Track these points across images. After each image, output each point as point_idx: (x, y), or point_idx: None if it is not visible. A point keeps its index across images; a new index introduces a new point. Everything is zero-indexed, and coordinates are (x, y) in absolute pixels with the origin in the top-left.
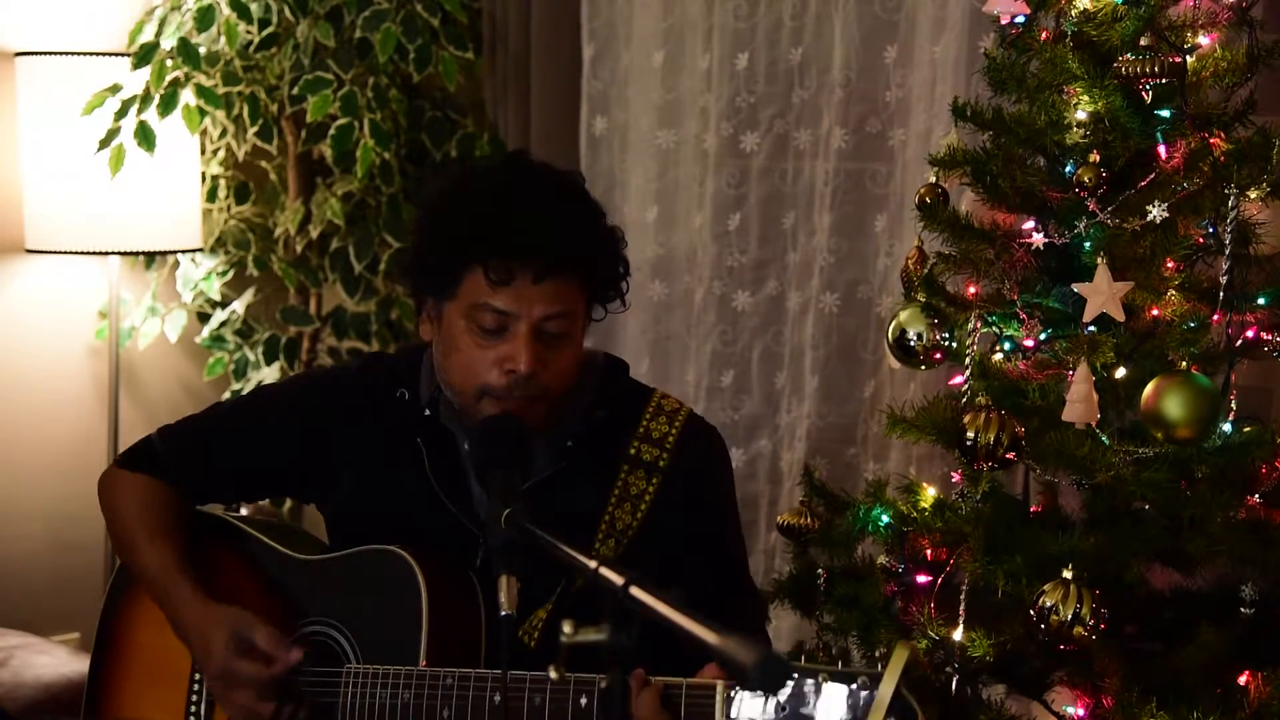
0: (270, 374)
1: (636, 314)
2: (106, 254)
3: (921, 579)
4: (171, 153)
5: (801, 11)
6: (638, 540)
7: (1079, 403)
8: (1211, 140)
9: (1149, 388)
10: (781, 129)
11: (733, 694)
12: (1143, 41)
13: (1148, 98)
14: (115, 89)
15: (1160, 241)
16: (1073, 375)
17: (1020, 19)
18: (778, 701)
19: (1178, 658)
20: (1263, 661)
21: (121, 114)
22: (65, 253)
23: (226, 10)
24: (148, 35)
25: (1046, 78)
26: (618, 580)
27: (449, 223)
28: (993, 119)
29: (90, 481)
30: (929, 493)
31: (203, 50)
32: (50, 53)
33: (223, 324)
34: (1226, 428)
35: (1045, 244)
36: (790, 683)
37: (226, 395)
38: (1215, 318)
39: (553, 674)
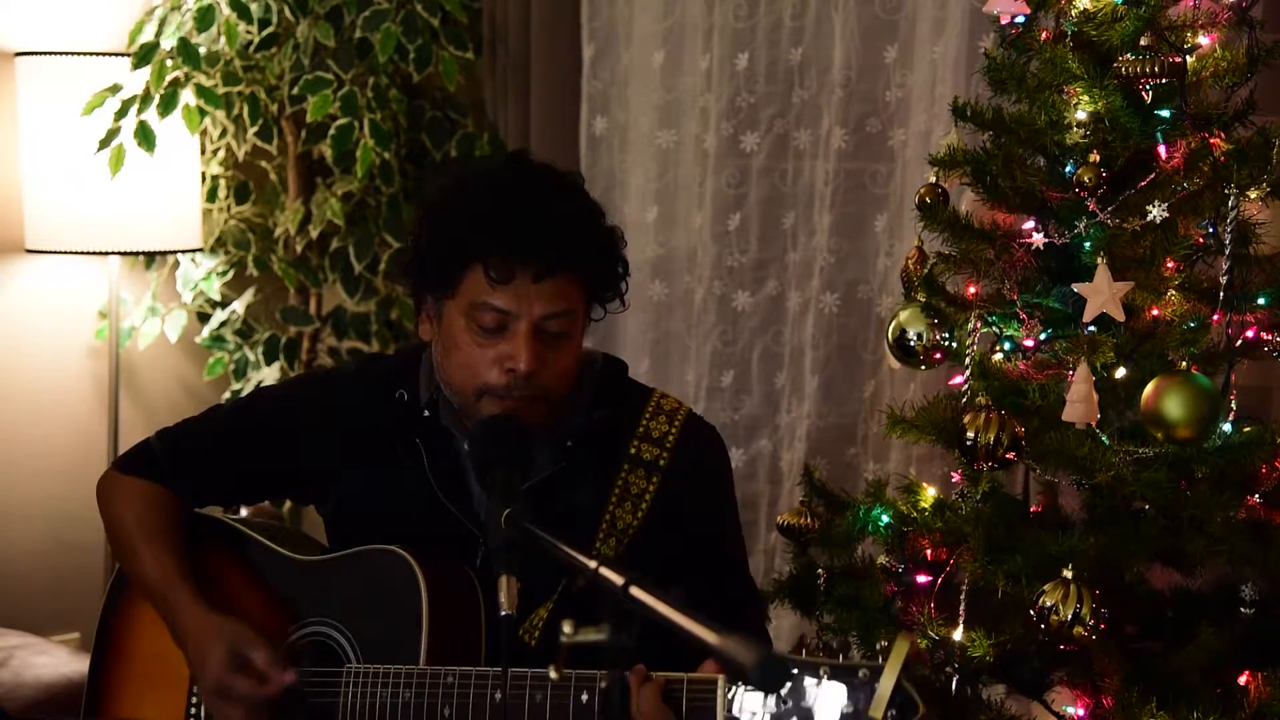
0: (270, 374)
1: (636, 314)
2: (106, 254)
3: (921, 579)
4: (171, 153)
5: (801, 11)
6: (638, 539)
7: (1079, 403)
8: (1211, 140)
9: (1149, 388)
10: (781, 129)
11: (734, 688)
12: (1143, 41)
13: (1148, 98)
14: (115, 89)
15: (1160, 241)
16: (1073, 375)
17: (1020, 19)
18: (779, 695)
19: (1178, 658)
20: (1263, 661)
21: (121, 114)
22: (65, 253)
23: (226, 10)
24: (148, 35)
25: (1046, 78)
26: (618, 580)
27: (449, 221)
28: (993, 119)
29: (90, 481)
30: (929, 493)
31: (203, 50)
32: (50, 53)
33: (223, 324)
34: (1226, 428)
35: (1045, 244)
36: (791, 677)
37: (226, 395)
38: (1215, 318)
39: (552, 674)
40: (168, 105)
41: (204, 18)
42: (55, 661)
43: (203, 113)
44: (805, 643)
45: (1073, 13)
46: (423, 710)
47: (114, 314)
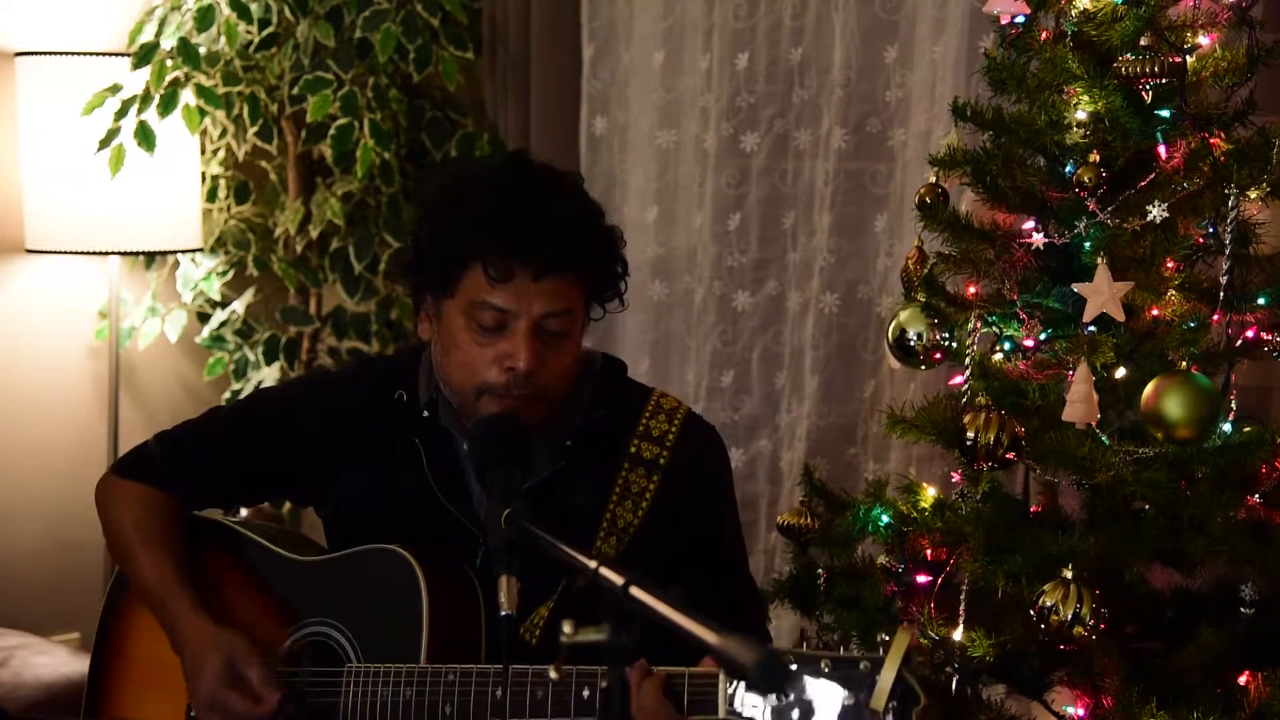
0: (270, 374)
1: (636, 314)
2: (106, 254)
3: (921, 579)
4: (171, 153)
5: (801, 11)
6: (639, 538)
7: (1079, 403)
8: (1211, 140)
9: (1149, 388)
10: (781, 129)
11: (735, 682)
12: (1143, 41)
13: (1148, 98)
14: (115, 89)
15: (1160, 241)
16: (1073, 375)
17: (1020, 19)
18: None
19: (1178, 658)
20: (1263, 661)
21: (121, 114)
22: (65, 253)
23: (226, 10)
24: (148, 35)
25: (1046, 78)
26: (618, 580)
27: (449, 220)
28: (993, 119)
29: (90, 481)
30: (929, 493)
31: (203, 50)
32: (50, 53)
33: (223, 324)
34: (1226, 428)
35: (1045, 244)
36: (792, 670)
37: (226, 395)
38: (1215, 318)
39: (553, 674)
40: (168, 105)
41: (204, 18)
42: (55, 661)
43: (203, 113)
44: (806, 636)
45: (1073, 13)
46: (424, 708)
47: (114, 314)
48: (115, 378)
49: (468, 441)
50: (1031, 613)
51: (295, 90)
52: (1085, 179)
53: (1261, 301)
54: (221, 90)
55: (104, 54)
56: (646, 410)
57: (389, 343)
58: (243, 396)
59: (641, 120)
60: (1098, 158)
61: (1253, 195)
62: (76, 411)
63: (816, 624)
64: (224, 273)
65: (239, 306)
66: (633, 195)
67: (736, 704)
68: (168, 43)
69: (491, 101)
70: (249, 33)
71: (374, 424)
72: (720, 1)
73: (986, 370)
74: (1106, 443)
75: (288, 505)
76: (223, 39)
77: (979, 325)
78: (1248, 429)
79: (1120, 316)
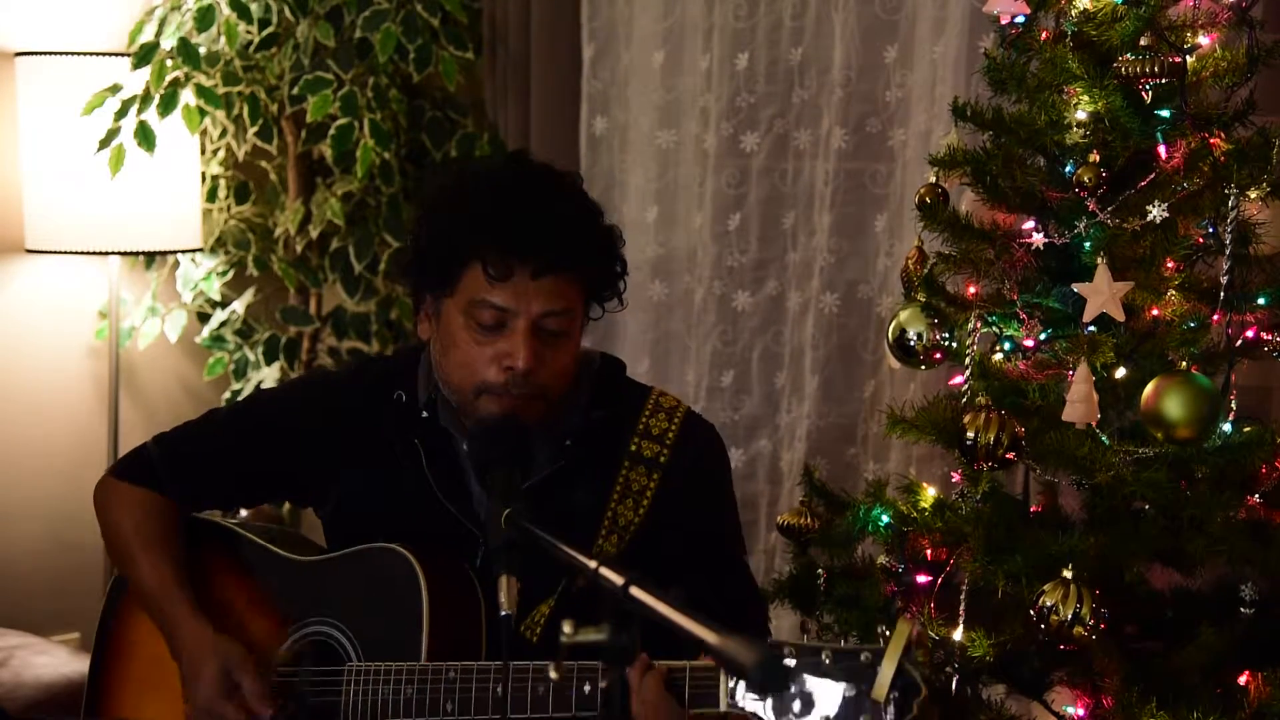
0: (270, 374)
1: (636, 314)
2: (106, 254)
3: (921, 579)
4: (171, 153)
5: (801, 11)
6: (640, 536)
7: (1079, 403)
8: (1211, 140)
9: (1149, 388)
10: (781, 129)
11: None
12: (1143, 41)
13: (1148, 98)
14: (115, 89)
15: (1160, 241)
16: (1073, 375)
17: (1020, 19)
18: None
19: (1178, 658)
20: (1263, 661)
21: (121, 114)
22: (65, 253)
23: (226, 10)
24: (148, 35)
25: (1046, 78)
26: (618, 580)
27: (448, 219)
28: (993, 119)
29: (90, 481)
30: (929, 493)
31: (203, 50)
32: (50, 53)
33: (223, 324)
34: (1226, 428)
35: (1045, 244)
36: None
37: (226, 395)
38: (1215, 318)
39: (553, 674)
40: (168, 105)
41: (204, 18)
42: (55, 661)
43: (203, 113)
44: (806, 629)
45: (1073, 13)
46: (425, 706)
47: (114, 314)
48: (115, 378)
49: (468, 442)
50: (1031, 613)
51: (295, 90)
52: (1085, 179)
53: (1261, 301)
54: (221, 90)
55: (104, 54)
56: (646, 409)
57: (389, 343)
58: (241, 398)
59: (641, 120)
60: (1098, 158)
61: (1253, 195)
62: (76, 411)
63: (816, 624)
64: (224, 273)
65: (239, 306)
66: (633, 195)
67: (738, 698)
68: (168, 43)
69: (491, 101)
70: (249, 33)
71: (374, 424)
72: (720, 1)
73: (986, 370)
74: (1106, 443)
75: (287, 506)
76: (223, 39)
77: (979, 325)
78: (1248, 429)
79: (1120, 316)
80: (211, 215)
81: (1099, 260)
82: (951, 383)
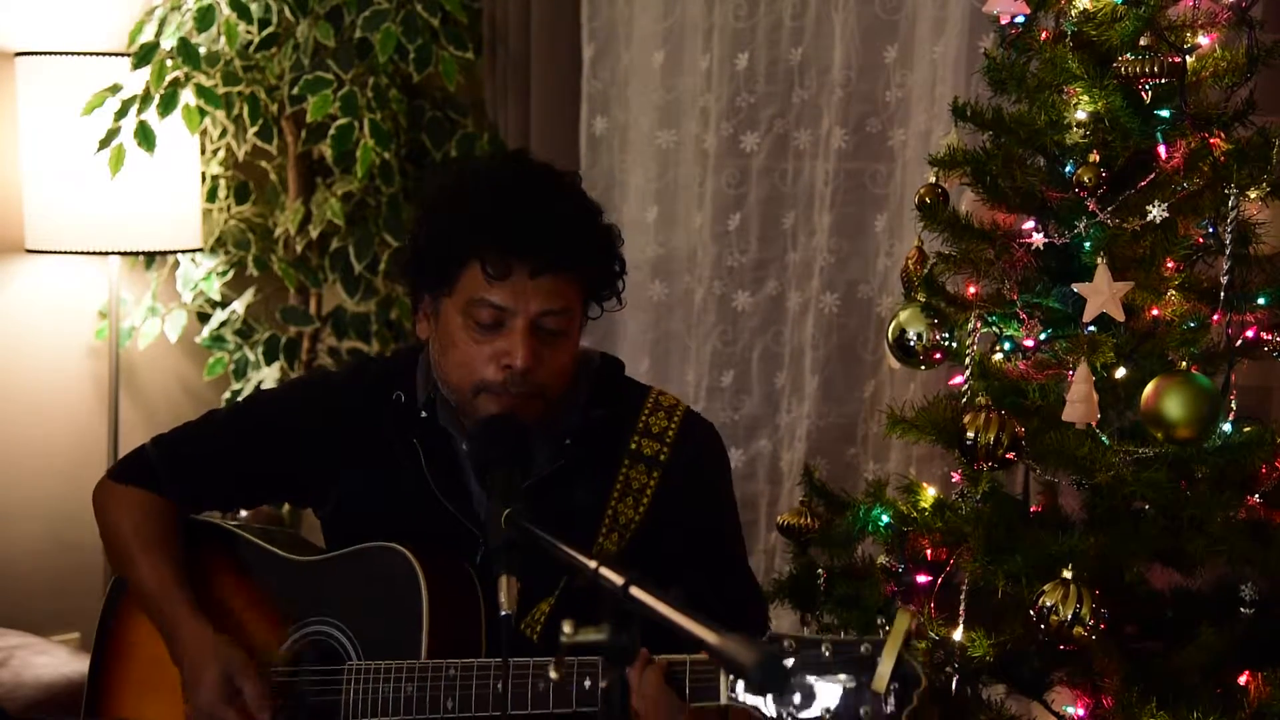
0: (270, 374)
1: (636, 314)
2: (106, 254)
3: (921, 579)
4: (171, 153)
5: (801, 11)
6: (640, 534)
7: (1079, 403)
8: (1211, 140)
9: (1149, 388)
10: (781, 129)
11: None
12: (1142, 41)
13: (1147, 98)
14: (115, 89)
15: (1160, 241)
16: (1073, 375)
17: (1020, 19)
18: None
19: (1178, 658)
20: (1263, 661)
21: (121, 114)
22: (65, 253)
23: (226, 10)
24: (148, 35)
25: (1046, 78)
26: (618, 580)
27: (447, 218)
28: (993, 119)
29: (90, 481)
30: (929, 493)
31: (203, 50)
32: (50, 53)
33: (223, 324)
34: (1226, 428)
35: (1045, 244)
36: (792, 662)
37: (226, 395)
38: (1215, 318)
39: (553, 674)
40: (168, 105)
41: (204, 18)
42: (55, 661)
43: (203, 113)
44: (806, 622)
45: (1072, 13)
46: (425, 703)
47: (114, 314)
48: (115, 378)
49: (468, 442)
50: (1031, 613)
51: (295, 90)
52: (1085, 179)
53: (1261, 301)
54: (221, 90)
55: (104, 54)
56: (646, 408)
57: (389, 343)
58: (241, 399)
59: (641, 120)
60: (1098, 158)
61: (1253, 195)
62: (76, 411)
63: (817, 624)
64: (224, 273)
65: (239, 306)
66: (633, 195)
67: (738, 692)
68: (168, 43)
69: (491, 101)
70: (249, 33)
71: (373, 424)
72: (720, 1)
73: (986, 370)
74: (1106, 443)
75: (287, 507)
76: (223, 39)
77: (979, 325)
78: (1248, 429)
79: (1120, 316)
80: (211, 215)
81: (1099, 260)
82: (951, 383)
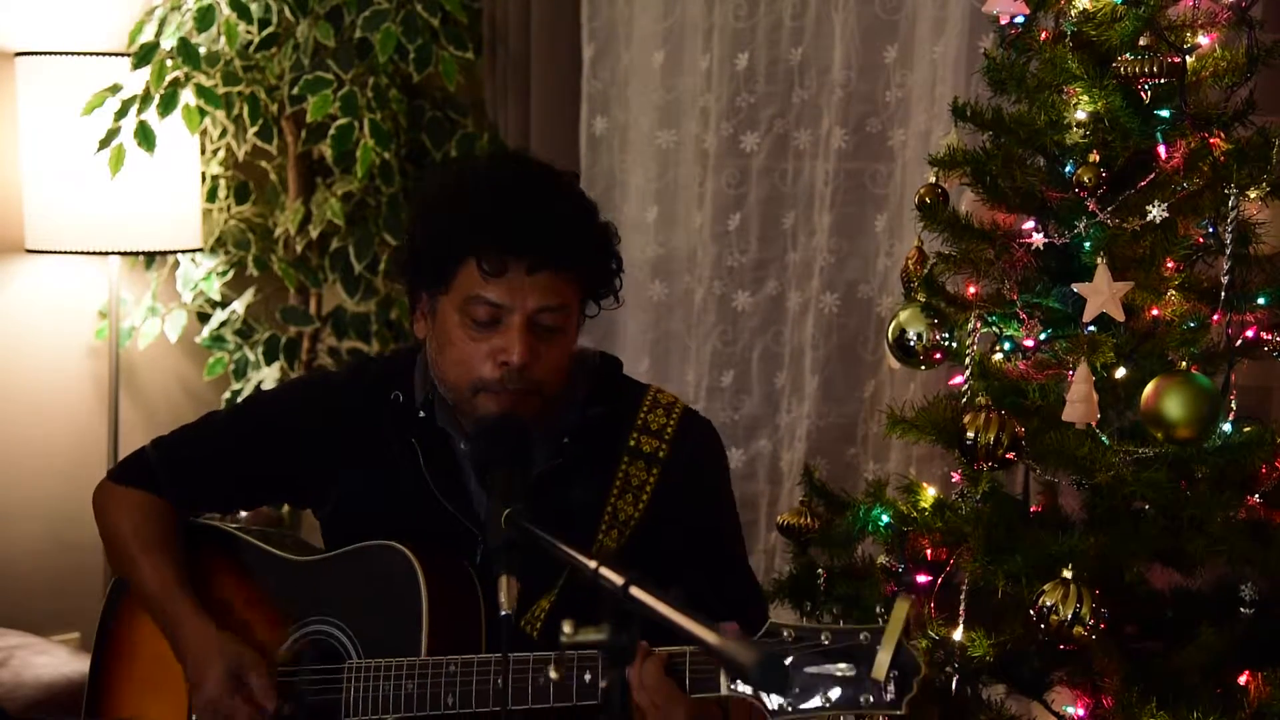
0: (270, 374)
1: (636, 314)
2: (106, 254)
3: (921, 579)
4: (171, 153)
5: (801, 11)
6: (639, 532)
7: (1079, 403)
8: (1211, 140)
9: (1149, 388)
10: (781, 129)
11: None
12: (1142, 41)
13: (1147, 98)
14: (115, 89)
15: (1160, 241)
16: (1073, 375)
17: (1020, 19)
18: None
19: (1178, 658)
20: (1263, 661)
21: (121, 114)
22: (65, 253)
23: (226, 10)
24: (148, 35)
25: (1046, 78)
26: (617, 580)
27: (443, 216)
28: (993, 119)
29: (90, 481)
30: (929, 493)
31: (203, 50)
32: (50, 53)
33: (223, 324)
34: (1226, 428)
35: (1045, 244)
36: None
37: (226, 395)
38: (1215, 318)
39: (553, 674)
40: (168, 105)
41: (204, 18)
42: (55, 661)
43: (203, 113)
44: (805, 612)
45: (1072, 13)
46: (425, 700)
47: (114, 314)
48: (115, 378)
49: (470, 442)
50: (1031, 613)
51: (295, 90)
52: (1085, 179)
53: (1261, 301)
54: (221, 90)
55: (104, 54)
56: (644, 405)
57: (389, 343)
58: (239, 400)
59: (641, 120)
60: (1098, 158)
61: (1253, 195)
62: (76, 411)
63: (816, 624)
64: (224, 273)
65: (239, 306)
66: (633, 195)
67: (738, 683)
68: (168, 43)
69: (491, 101)
70: (249, 33)
71: (373, 424)
72: (720, 1)
73: (986, 370)
74: (1106, 443)
75: (287, 508)
76: (223, 39)
77: (979, 325)
78: (1248, 429)
79: (1120, 316)
80: (211, 215)
81: (1099, 260)
82: (951, 383)
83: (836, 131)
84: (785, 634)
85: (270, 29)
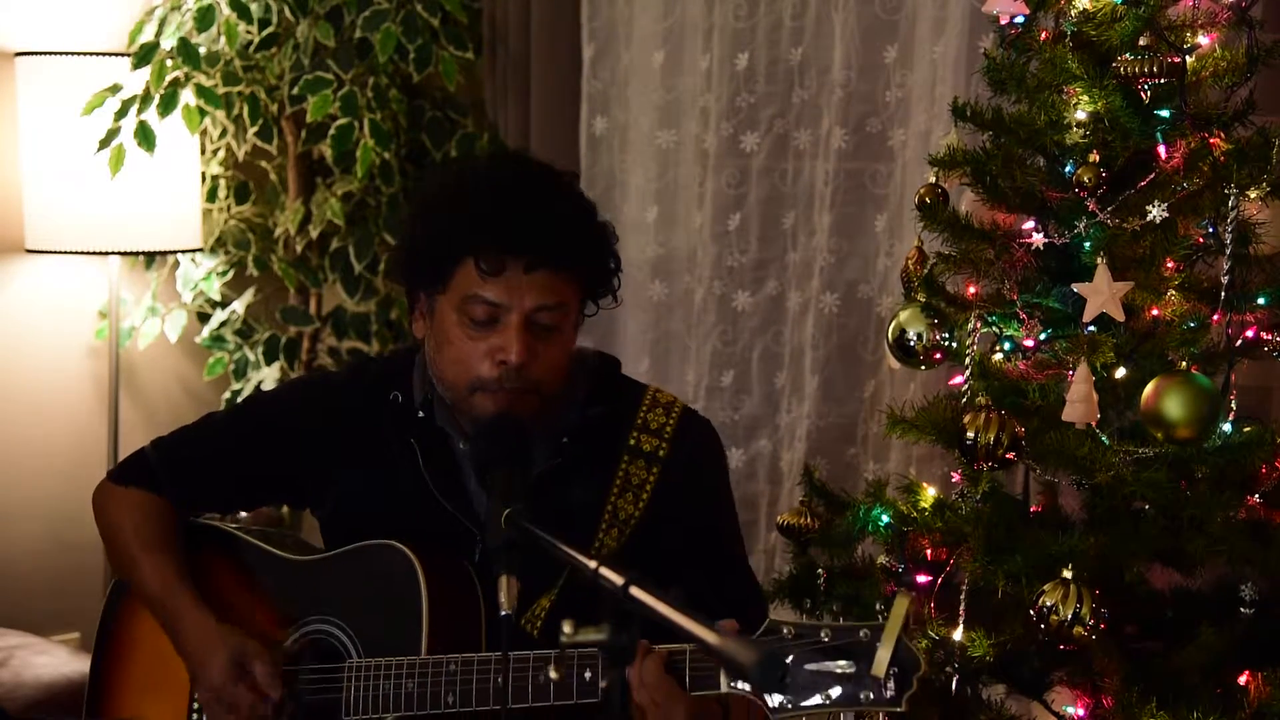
0: (270, 374)
1: (636, 314)
2: (106, 254)
3: (921, 579)
4: (171, 153)
5: (801, 11)
6: (639, 530)
7: (1079, 403)
8: (1211, 140)
9: (1149, 388)
10: (781, 129)
11: None
12: (1142, 41)
13: (1147, 98)
14: (115, 89)
15: (1160, 241)
16: (1073, 375)
17: (1020, 19)
18: None
19: (1178, 658)
20: (1263, 661)
21: (121, 114)
22: (65, 253)
23: (226, 10)
24: (148, 35)
25: (1046, 78)
26: (617, 580)
27: (441, 215)
28: (993, 119)
29: (90, 481)
30: (929, 493)
31: (203, 50)
32: (50, 53)
33: (223, 324)
34: (1226, 428)
35: (1045, 244)
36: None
37: (226, 395)
38: (1215, 318)
39: (553, 674)
40: (168, 105)
41: (204, 18)
42: (55, 661)
43: (203, 113)
44: (806, 612)
45: (1072, 13)
46: (426, 699)
47: (114, 314)
48: (115, 378)
49: (470, 442)
50: (1031, 613)
51: (295, 90)
52: (1085, 179)
53: (1261, 301)
54: (221, 90)
55: (104, 54)
56: (644, 404)
57: (389, 342)
58: (239, 400)
59: (641, 120)
60: (1098, 158)
61: (1253, 195)
62: (76, 411)
63: (816, 621)
64: (224, 273)
65: (239, 306)
66: (633, 195)
67: (738, 681)
68: (168, 43)
69: (491, 101)
70: (249, 33)
71: (373, 424)
72: (720, 1)
73: (986, 370)
74: (1106, 443)
75: (287, 508)
76: (223, 39)
77: (979, 325)
78: (1248, 429)
79: (1120, 316)
80: (211, 215)
81: (1099, 260)
82: (951, 383)
83: (836, 131)
84: (785, 631)
85: (270, 29)
